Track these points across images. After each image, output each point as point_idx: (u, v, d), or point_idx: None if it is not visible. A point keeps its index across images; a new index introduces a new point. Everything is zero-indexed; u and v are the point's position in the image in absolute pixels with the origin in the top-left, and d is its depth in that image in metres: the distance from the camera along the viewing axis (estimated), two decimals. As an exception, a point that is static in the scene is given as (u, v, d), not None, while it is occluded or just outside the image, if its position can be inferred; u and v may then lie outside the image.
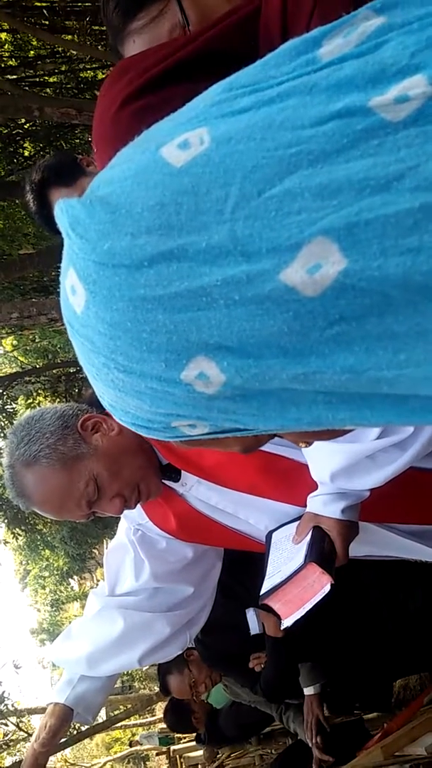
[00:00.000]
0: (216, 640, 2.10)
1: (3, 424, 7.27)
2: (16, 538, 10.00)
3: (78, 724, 5.67)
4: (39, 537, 10.90)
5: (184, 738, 4.72)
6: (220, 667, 2.37)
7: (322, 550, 1.02)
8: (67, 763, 9.16)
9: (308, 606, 0.98)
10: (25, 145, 6.69)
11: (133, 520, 1.33)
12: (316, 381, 0.37)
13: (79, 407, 1.16)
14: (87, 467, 1.09)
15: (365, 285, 0.33)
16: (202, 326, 0.36)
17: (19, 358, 10.56)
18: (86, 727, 5.45)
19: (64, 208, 0.39)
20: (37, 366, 8.88)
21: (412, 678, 2.68)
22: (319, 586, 0.98)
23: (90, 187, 0.40)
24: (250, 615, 1.97)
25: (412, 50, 0.35)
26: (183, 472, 1.20)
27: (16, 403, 8.15)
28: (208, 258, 0.35)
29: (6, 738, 6.07)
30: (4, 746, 5.95)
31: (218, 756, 3.79)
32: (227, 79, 0.41)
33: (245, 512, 1.20)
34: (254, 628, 1.96)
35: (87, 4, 5.35)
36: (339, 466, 1.01)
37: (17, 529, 9.03)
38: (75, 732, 5.20)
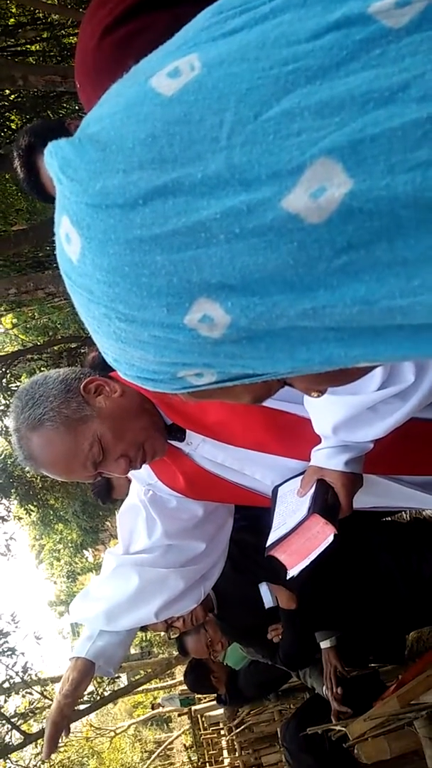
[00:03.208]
0: (233, 614, 2.15)
1: (7, 402, 7.29)
2: (29, 514, 10.14)
3: (101, 690, 5.81)
4: (51, 512, 11.05)
5: (205, 698, 4.84)
6: (240, 640, 2.42)
7: (326, 501, 1.03)
8: (93, 728, 9.44)
9: (313, 556, 0.99)
10: (12, 117, 6.57)
11: (143, 481, 1.34)
12: (326, 316, 0.35)
13: (81, 371, 1.17)
14: (91, 429, 1.09)
15: (373, 207, 0.31)
16: (203, 265, 0.34)
17: (20, 336, 10.56)
18: (109, 692, 5.60)
19: (53, 151, 0.37)
20: (39, 343, 8.88)
21: (424, 630, 2.72)
22: (323, 536, 0.98)
23: (80, 127, 0.38)
24: (264, 589, 2.02)
25: None
26: (188, 431, 1.20)
27: (20, 381, 8.17)
28: (205, 190, 0.33)
29: (32, 706, 6.23)
30: (30, 714, 6.12)
31: (238, 714, 3.89)
32: (217, 2, 0.38)
33: (251, 468, 1.20)
34: (268, 601, 2.02)
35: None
36: (341, 419, 1.01)
37: (29, 505, 9.14)
38: (98, 698, 5.35)
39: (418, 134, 0.30)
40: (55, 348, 7.74)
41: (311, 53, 0.32)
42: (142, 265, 0.35)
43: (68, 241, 0.37)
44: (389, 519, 2.40)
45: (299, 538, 1.00)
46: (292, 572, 1.01)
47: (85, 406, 1.10)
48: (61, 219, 0.38)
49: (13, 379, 7.55)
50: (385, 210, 0.31)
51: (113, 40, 0.77)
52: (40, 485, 8.71)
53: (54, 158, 0.37)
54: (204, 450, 1.21)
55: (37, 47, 6.45)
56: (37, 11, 5.78)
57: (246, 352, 0.37)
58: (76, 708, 1.50)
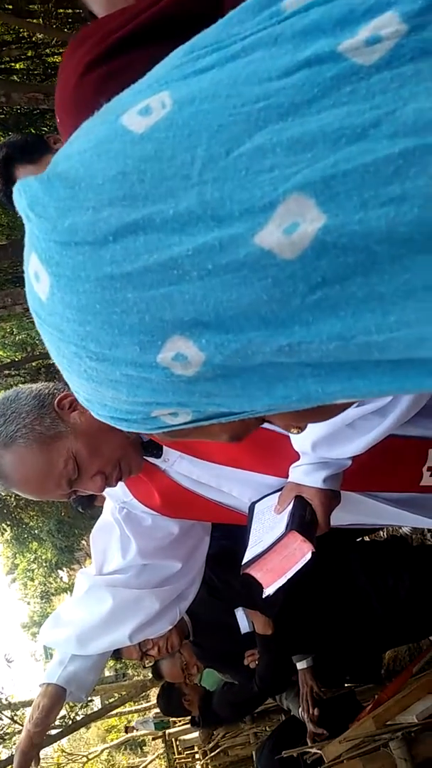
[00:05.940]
0: (209, 639, 2.12)
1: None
2: (3, 533, 9.97)
3: (73, 714, 5.68)
4: (26, 530, 10.87)
5: (180, 721, 4.76)
6: (216, 666, 2.39)
7: (304, 518, 1.02)
8: (64, 753, 9.20)
9: (289, 574, 0.98)
10: (-6, 133, 6.58)
11: (117, 498, 1.32)
12: (302, 352, 0.34)
13: (55, 386, 1.14)
14: (65, 446, 1.07)
15: (347, 241, 0.31)
16: (176, 302, 0.34)
17: (-2, 351, 10.47)
18: (81, 716, 5.48)
19: (21, 189, 0.37)
20: (16, 359, 8.81)
21: (401, 649, 2.72)
22: (300, 554, 0.98)
23: (50, 165, 0.38)
24: (240, 614, 2.00)
25: None
26: (165, 447, 1.19)
27: (-3, 397, 8.08)
28: (177, 226, 0.33)
29: (1, 731, 6.06)
30: (-1, 740, 5.95)
31: (213, 737, 3.83)
32: (188, 42, 0.38)
33: (228, 485, 1.19)
34: (244, 626, 2.00)
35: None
36: (319, 435, 1.01)
37: (3, 524, 8.99)
38: (70, 722, 5.22)
39: (390, 170, 0.31)
40: (33, 364, 7.69)
41: (282, 90, 0.33)
42: (114, 302, 0.34)
43: (37, 279, 0.37)
44: (366, 538, 2.41)
45: (276, 555, 0.99)
46: (269, 590, 1.00)
47: (59, 422, 1.08)
48: (29, 257, 0.38)
49: (-11, 395, 7.45)
50: (360, 245, 0.31)
51: (94, 78, 0.77)
52: (15, 503, 8.58)
53: (23, 196, 0.37)
54: (181, 466, 1.20)
55: (21, 65, 6.50)
56: (21, 30, 5.83)
57: (221, 390, 0.37)
58: (47, 734, 1.46)
